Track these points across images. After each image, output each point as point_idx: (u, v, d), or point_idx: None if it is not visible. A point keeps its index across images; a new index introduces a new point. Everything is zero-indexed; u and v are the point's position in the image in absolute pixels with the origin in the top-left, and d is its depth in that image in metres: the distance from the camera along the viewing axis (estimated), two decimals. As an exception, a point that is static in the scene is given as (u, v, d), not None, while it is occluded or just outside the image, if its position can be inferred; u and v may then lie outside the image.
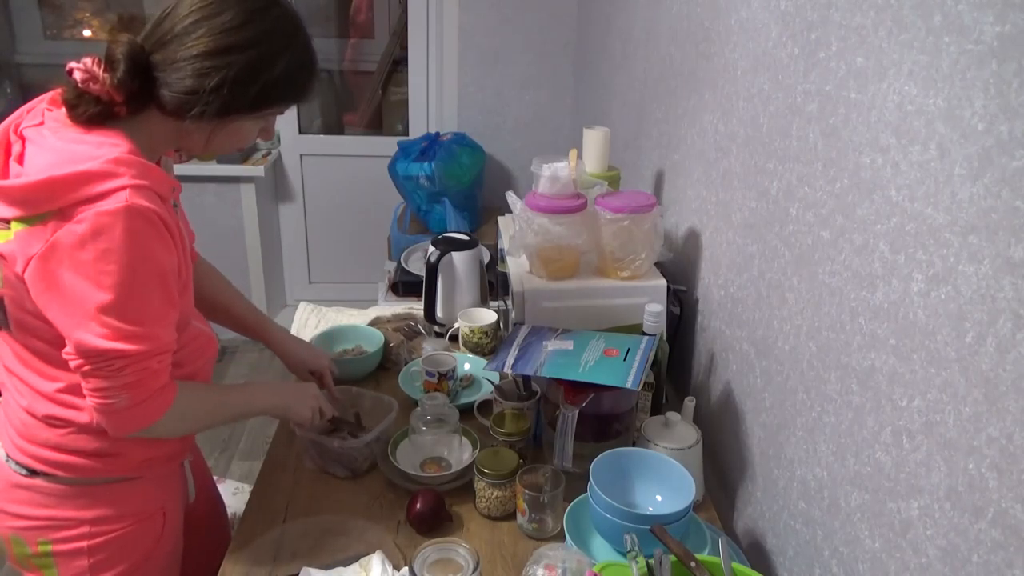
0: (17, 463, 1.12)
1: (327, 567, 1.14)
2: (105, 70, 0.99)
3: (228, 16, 1.00)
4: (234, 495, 2.01)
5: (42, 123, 1.03)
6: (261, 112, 1.09)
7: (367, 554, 1.15)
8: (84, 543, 1.15)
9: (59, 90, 1.04)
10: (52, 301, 0.97)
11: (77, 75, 1.00)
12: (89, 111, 1.00)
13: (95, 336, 0.96)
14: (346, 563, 1.14)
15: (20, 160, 1.00)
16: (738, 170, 1.38)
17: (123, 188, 0.95)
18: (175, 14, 1.01)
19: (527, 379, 1.41)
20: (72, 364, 0.99)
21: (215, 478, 1.63)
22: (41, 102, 1.07)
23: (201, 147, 1.10)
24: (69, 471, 1.12)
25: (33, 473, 1.12)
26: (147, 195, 0.97)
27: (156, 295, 1.01)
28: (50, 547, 1.15)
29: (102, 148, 0.98)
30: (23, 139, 1.01)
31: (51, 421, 1.09)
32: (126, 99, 1.01)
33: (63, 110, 1.02)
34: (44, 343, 1.05)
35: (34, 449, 1.11)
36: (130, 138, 1.02)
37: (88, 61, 1.00)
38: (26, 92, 1.08)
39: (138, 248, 0.96)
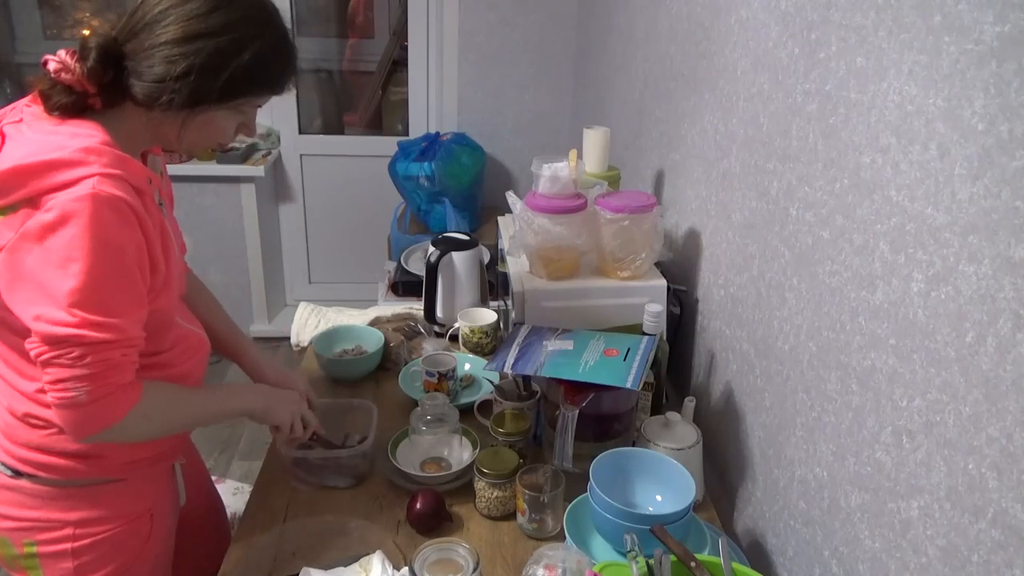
0: (2, 464, 1.12)
1: (327, 567, 1.14)
2: (77, 60, 1.00)
3: (197, 3, 1.01)
4: (234, 495, 2.01)
5: (21, 120, 1.03)
6: (231, 102, 1.07)
7: (367, 554, 1.15)
8: (68, 545, 1.14)
9: (35, 91, 1.04)
10: (17, 290, 0.96)
11: (51, 65, 1.01)
12: (61, 101, 1.01)
13: (56, 323, 0.94)
14: (346, 563, 1.14)
15: None
16: (738, 170, 1.38)
17: (91, 176, 0.94)
18: (146, 4, 1.02)
19: (527, 379, 1.41)
20: (33, 352, 0.97)
21: (215, 478, 1.63)
22: (22, 101, 1.08)
23: (175, 140, 1.09)
24: (52, 472, 1.11)
25: (17, 474, 1.11)
26: (118, 184, 0.96)
27: (122, 286, 0.99)
28: (35, 548, 1.14)
29: (75, 138, 0.98)
30: (3, 135, 1.02)
31: (31, 420, 1.09)
32: (99, 90, 1.02)
33: (42, 107, 1.03)
34: (25, 340, 1.05)
35: (17, 450, 1.10)
36: (106, 130, 1.01)
37: (63, 53, 1.01)
38: (26, 92, 1.09)
39: (104, 237, 0.95)
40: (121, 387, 1.01)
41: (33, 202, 0.95)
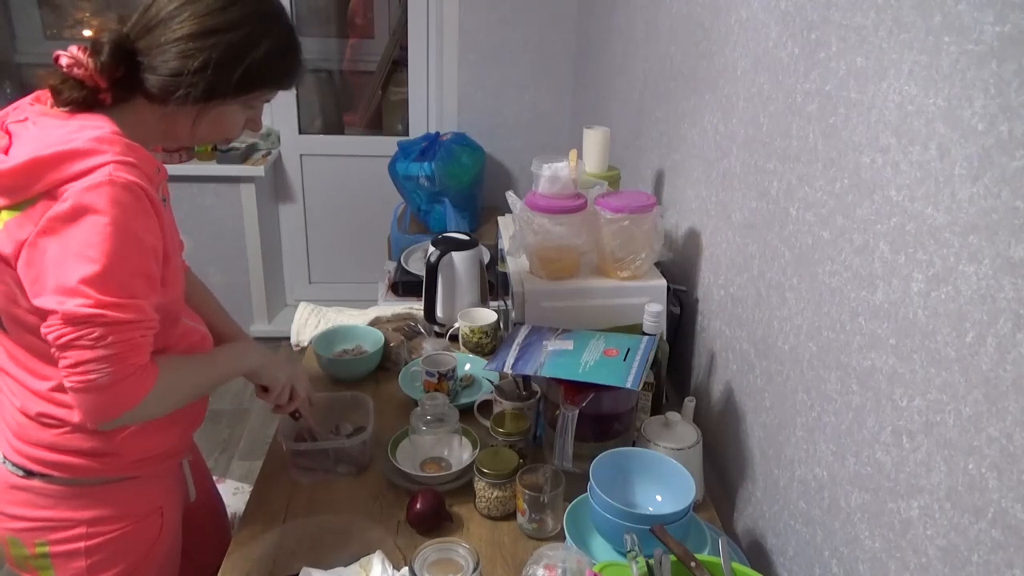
0: (14, 464, 1.12)
1: (327, 567, 1.14)
2: (89, 56, 1.01)
3: (211, 0, 1.03)
4: (234, 495, 2.01)
5: (26, 119, 1.04)
6: (245, 96, 1.09)
7: (367, 554, 1.15)
8: (82, 544, 1.15)
9: (44, 89, 1.05)
10: (38, 279, 0.96)
11: (63, 61, 1.02)
12: (72, 96, 1.02)
13: (77, 305, 0.94)
14: (346, 563, 1.14)
15: (6, 152, 1.01)
16: (738, 170, 1.38)
17: (107, 164, 0.95)
18: (159, 1, 1.03)
19: (527, 379, 1.41)
20: (52, 336, 0.96)
21: (215, 478, 1.63)
22: (25, 100, 1.08)
23: (187, 134, 1.11)
24: (65, 471, 1.11)
25: (30, 474, 1.12)
26: (132, 171, 0.97)
27: (140, 269, 1.00)
28: (48, 548, 1.14)
29: (85, 130, 0.99)
30: (9, 134, 1.02)
31: (44, 420, 1.09)
32: (110, 85, 1.03)
33: (47, 105, 1.04)
34: (39, 339, 1.05)
35: (30, 450, 1.10)
36: (115, 122, 1.02)
37: (74, 48, 1.02)
38: (26, 92, 1.11)
39: (122, 222, 0.95)
40: (140, 368, 1.01)
41: (50, 194, 0.95)
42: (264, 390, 1.30)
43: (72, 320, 0.95)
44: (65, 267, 0.95)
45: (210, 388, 1.22)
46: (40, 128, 1.01)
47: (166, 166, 1.25)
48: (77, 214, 0.94)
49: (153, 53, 1.02)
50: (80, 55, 1.01)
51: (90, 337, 0.96)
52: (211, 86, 1.04)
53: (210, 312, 1.38)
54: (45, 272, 0.96)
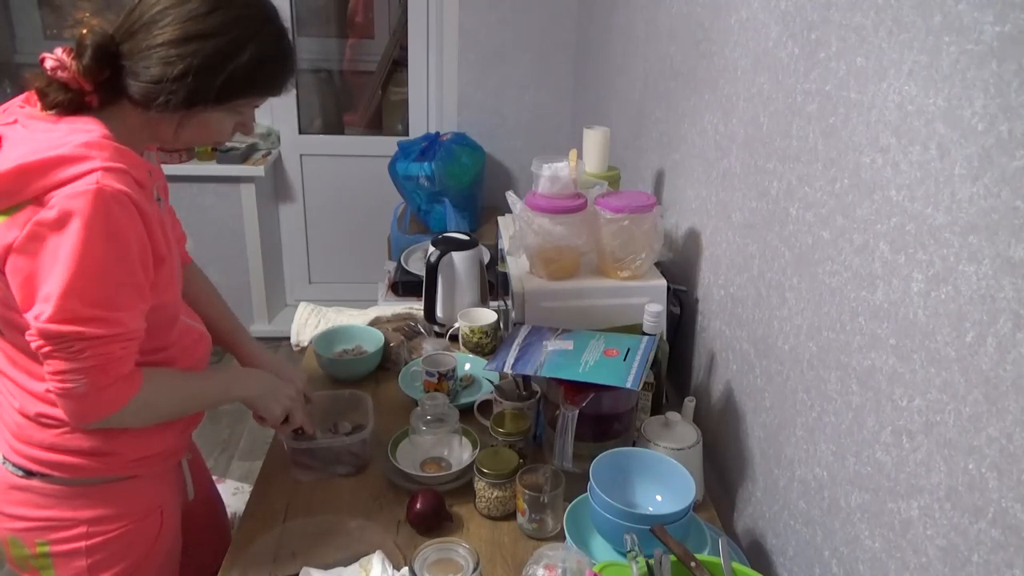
0: (14, 465, 1.12)
1: (327, 567, 1.14)
2: (73, 58, 1.00)
3: (195, 4, 1.01)
4: (234, 495, 2.01)
5: (15, 121, 1.03)
6: (229, 103, 1.07)
7: (367, 554, 1.15)
8: (82, 543, 1.15)
9: (32, 89, 1.04)
10: (24, 286, 0.96)
11: (48, 63, 1.01)
12: (58, 99, 1.01)
13: (54, 320, 0.95)
14: (346, 563, 1.14)
15: None
16: (738, 170, 1.38)
17: (94, 170, 0.95)
18: (144, 4, 1.02)
19: (527, 379, 1.41)
20: (33, 345, 0.97)
21: (215, 478, 1.63)
22: (14, 102, 1.08)
23: (171, 139, 1.09)
24: (65, 471, 1.11)
25: (29, 474, 1.12)
26: (120, 177, 0.97)
27: (124, 280, 0.99)
28: (48, 548, 1.14)
29: (74, 134, 0.98)
30: (0, 137, 1.02)
31: (43, 420, 1.09)
32: (95, 88, 1.02)
33: (36, 107, 1.03)
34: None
35: (29, 450, 1.10)
36: (104, 125, 1.02)
37: (59, 51, 1.01)
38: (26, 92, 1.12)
39: (107, 231, 0.95)
40: (121, 378, 1.02)
41: (38, 200, 0.95)
42: (261, 419, 1.30)
43: (50, 335, 0.96)
44: (47, 277, 0.94)
45: (198, 409, 1.21)
46: (29, 131, 1.00)
47: (166, 166, 1.25)
48: (62, 221, 0.93)
49: (135, 58, 1.01)
50: (64, 57, 1.00)
51: (69, 350, 0.97)
52: (192, 93, 1.01)
53: (209, 307, 1.37)
54: (30, 280, 0.96)
